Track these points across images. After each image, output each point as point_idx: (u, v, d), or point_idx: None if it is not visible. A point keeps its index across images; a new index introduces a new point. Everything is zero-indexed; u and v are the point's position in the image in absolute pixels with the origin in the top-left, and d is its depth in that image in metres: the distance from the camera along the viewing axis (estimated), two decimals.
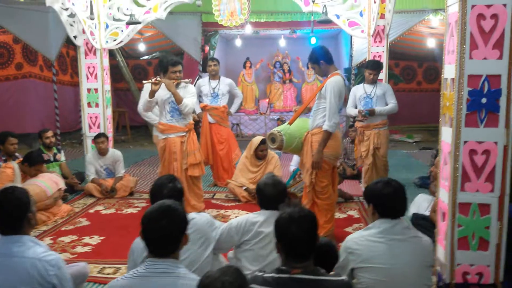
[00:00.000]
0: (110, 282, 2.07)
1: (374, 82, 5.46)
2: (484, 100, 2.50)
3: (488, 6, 2.42)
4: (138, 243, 2.58)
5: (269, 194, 2.86)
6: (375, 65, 5.49)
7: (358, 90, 5.59)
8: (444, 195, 2.74)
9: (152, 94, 4.50)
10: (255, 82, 12.01)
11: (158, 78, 4.56)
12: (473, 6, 2.44)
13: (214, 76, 6.30)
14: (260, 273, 2.09)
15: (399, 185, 2.49)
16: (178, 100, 4.63)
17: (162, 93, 4.58)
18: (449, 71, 2.65)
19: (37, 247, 2.33)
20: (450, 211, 2.65)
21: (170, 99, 4.64)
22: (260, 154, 5.83)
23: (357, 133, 5.74)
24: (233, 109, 6.53)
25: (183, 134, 4.74)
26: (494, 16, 2.42)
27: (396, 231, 2.45)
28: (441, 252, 2.75)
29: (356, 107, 5.59)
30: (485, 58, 2.47)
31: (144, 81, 4.61)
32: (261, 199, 2.93)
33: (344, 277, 2.10)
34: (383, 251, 2.42)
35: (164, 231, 2.01)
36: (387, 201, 2.46)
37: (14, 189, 2.45)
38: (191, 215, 2.79)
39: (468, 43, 2.47)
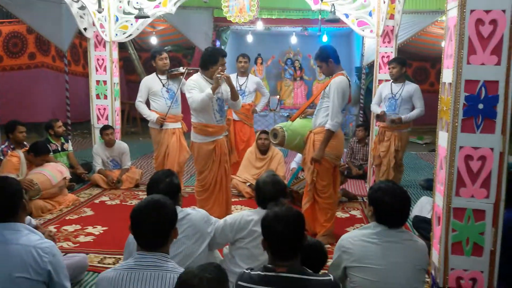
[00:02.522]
0: (101, 273, 2.12)
1: (398, 78, 5.37)
2: (481, 106, 2.49)
3: (487, 12, 2.40)
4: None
5: (267, 193, 2.85)
6: (393, 59, 5.45)
7: (385, 89, 5.53)
8: (439, 199, 2.74)
9: (215, 89, 4.15)
10: (266, 79, 12.00)
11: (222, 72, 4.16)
12: (472, 11, 2.42)
13: (243, 73, 6.28)
14: (247, 271, 2.11)
15: (402, 196, 2.45)
16: (236, 95, 4.36)
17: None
18: (447, 75, 2.64)
19: (32, 234, 2.39)
20: (444, 216, 2.64)
21: (217, 96, 4.26)
22: (259, 143, 5.85)
23: (368, 133, 5.70)
24: (259, 107, 6.45)
25: (226, 133, 4.56)
26: (493, 22, 2.40)
27: (390, 233, 2.47)
28: (435, 256, 2.76)
29: (380, 105, 5.56)
30: (483, 64, 2.46)
31: (217, 75, 4.10)
32: (259, 197, 2.92)
33: (331, 277, 2.11)
34: (376, 252, 2.45)
35: (152, 226, 2.05)
36: (386, 211, 2.46)
37: (6, 178, 2.52)
38: (187, 210, 2.83)
39: (466, 48, 2.46)
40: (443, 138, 2.68)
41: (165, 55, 5.42)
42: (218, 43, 10.33)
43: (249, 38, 11.24)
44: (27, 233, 2.38)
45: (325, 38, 10.20)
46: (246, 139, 6.28)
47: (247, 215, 2.89)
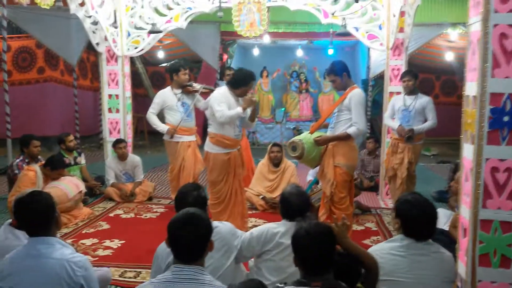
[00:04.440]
0: (137, 286, 2.13)
1: (412, 91, 5.37)
2: (506, 118, 2.51)
3: (511, 26, 2.44)
4: (163, 249, 2.66)
5: (293, 205, 2.87)
6: (405, 72, 5.48)
7: (398, 101, 5.51)
8: (465, 211, 2.75)
9: (245, 109, 4.36)
10: (272, 91, 12.09)
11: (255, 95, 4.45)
12: (495, 25, 2.46)
13: None
14: (281, 285, 2.12)
15: (429, 209, 2.52)
16: (254, 117, 4.61)
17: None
18: (470, 88, 2.67)
19: (64, 248, 2.42)
20: (471, 228, 2.65)
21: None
22: (272, 156, 5.89)
23: (378, 145, 5.71)
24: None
25: (239, 147, 4.66)
26: None
27: (418, 246, 2.50)
28: (462, 268, 2.76)
29: (392, 118, 5.56)
30: (507, 77, 2.49)
31: (250, 96, 4.35)
32: (284, 209, 2.93)
33: None
34: (405, 265, 2.47)
35: (190, 238, 2.07)
36: (414, 224, 2.49)
37: (40, 192, 2.56)
38: (215, 224, 2.84)
39: (490, 61, 2.49)
40: (468, 151, 2.70)
41: (187, 70, 5.55)
42: (225, 57, 10.41)
43: (255, 52, 11.35)
44: (60, 247, 2.41)
45: (330, 51, 10.29)
46: (244, 148, 6.28)
47: (273, 227, 2.90)
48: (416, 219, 2.50)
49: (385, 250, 2.56)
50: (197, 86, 5.53)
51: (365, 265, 2.40)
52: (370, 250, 2.61)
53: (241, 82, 4.40)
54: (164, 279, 2.06)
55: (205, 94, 5.69)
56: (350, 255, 2.47)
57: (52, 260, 2.32)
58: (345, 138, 4.09)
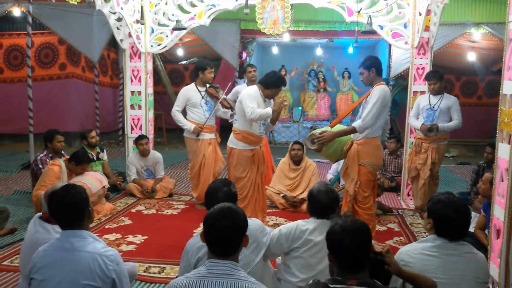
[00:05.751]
0: (171, 281, 2.13)
1: (437, 92, 5.33)
2: None
3: None
4: (192, 244, 2.65)
5: (322, 202, 2.86)
6: (431, 75, 5.40)
7: (423, 100, 5.48)
8: (499, 212, 2.71)
9: (275, 111, 4.53)
10: (289, 90, 12.04)
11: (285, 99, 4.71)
12: None
13: (253, 82, 6.34)
14: (315, 280, 2.10)
15: (463, 209, 2.46)
16: (275, 121, 4.73)
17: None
18: (508, 87, 2.63)
19: (97, 242, 2.43)
20: (505, 229, 2.62)
21: None
22: (292, 154, 5.88)
23: (400, 145, 5.66)
24: None
25: (261, 145, 4.75)
26: None
27: (451, 246, 2.46)
28: (495, 270, 2.72)
29: (417, 117, 5.51)
30: None
31: (281, 99, 4.56)
32: (312, 207, 2.93)
33: None
34: (437, 265, 2.43)
35: (227, 232, 2.06)
36: (447, 224, 2.45)
37: (74, 185, 2.57)
38: None
39: None
40: (504, 150, 2.66)
41: (213, 68, 5.61)
42: (244, 55, 10.39)
43: (274, 50, 11.32)
44: (92, 240, 2.42)
45: (351, 50, 10.22)
46: (264, 144, 6.29)
47: (301, 224, 2.89)
48: (449, 219, 2.45)
49: (417, 250, 2.52)
50: (220, 93, 5.56)
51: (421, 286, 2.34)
52: (401, 250, 2.57)
53: (273, 84, 4.49)
54: (199, 274, 2.05)
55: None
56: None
57: (85, 254, 2.33)
58: (351, 131, 4.07)
